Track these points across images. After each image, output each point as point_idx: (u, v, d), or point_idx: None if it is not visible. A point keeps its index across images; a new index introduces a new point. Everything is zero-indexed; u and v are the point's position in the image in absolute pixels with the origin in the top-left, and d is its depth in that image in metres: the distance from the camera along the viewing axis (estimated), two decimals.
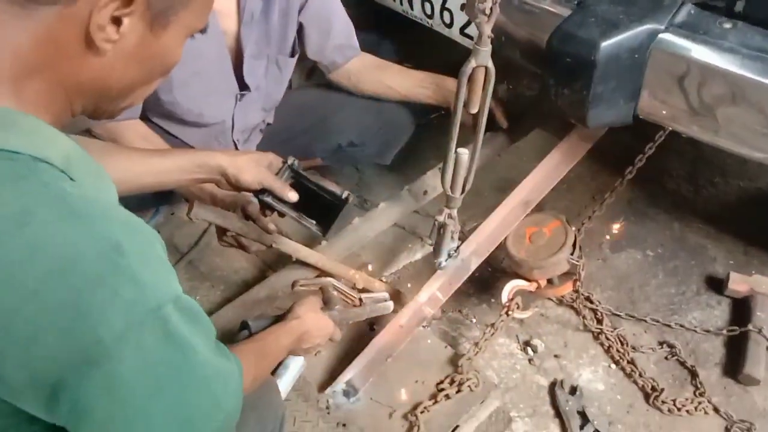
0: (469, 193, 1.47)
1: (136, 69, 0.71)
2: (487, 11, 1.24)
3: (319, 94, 1.83)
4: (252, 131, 1.78)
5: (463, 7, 1.58)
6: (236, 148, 1.76)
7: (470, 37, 1.65)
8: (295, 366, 1.56)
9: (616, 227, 1.98)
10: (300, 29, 1.68)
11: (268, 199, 1.38)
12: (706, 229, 1.98)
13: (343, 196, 1.40)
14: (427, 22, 1.74)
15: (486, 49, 1.30)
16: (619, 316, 1.74)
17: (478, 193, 1.94)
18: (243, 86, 1.66)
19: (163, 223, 2.00)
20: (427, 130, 2.10)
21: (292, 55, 1.71)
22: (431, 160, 2.22)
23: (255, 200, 1.46)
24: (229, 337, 1.51)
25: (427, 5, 1.70)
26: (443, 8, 1.66)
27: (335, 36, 1.71)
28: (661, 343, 1.69)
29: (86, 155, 0.70)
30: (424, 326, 1.67)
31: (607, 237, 1.97)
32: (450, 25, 1.67)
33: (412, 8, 1.76)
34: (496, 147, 1.75)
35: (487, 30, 1.28)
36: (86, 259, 0.59)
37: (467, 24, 1.65)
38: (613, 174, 1.99)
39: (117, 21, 0.65)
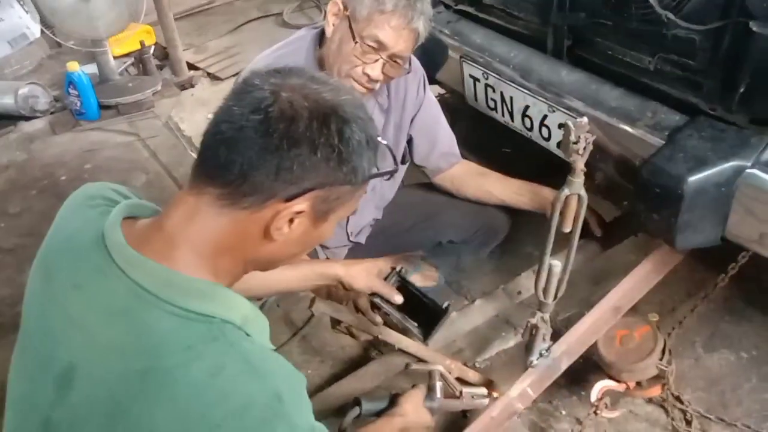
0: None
1: (298, 249, 0.94)
2: (581, 152, 1.40)
3: (424, 195, 2.02)
4: (364, 226, 1.99)
5: (559, 144, 1.73)
6: (348, 239, 1.98)
7: None
8: None
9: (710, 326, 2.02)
10: (409, 140, 1.89)
11: (377, 300, 1.58)
12: None
13: (444, 306, 1.56)
14: (527, 134, 1.90)
15: (579, 181, 1.45)
16: (708, 418, 1.78)
17: (573, 283, 2.05)
18: None
19: (282, 299, 2.24)
20: (526, 219, 2.24)
21: (403, 163, 1.92)
22: (527, 246, 2.36)
23: (365, 296, 1.66)
24: (338, 411, 1.72)
25: (527, 120, 1.86)
26: (542, 125, 1.82)
27: (440, 145, 1.90)
28: None
29: (256, 309, 0.92)
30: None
31: (701, 336, 2.01)
32: (548, 139, 1.83)
33: (513, 121, 1.92)
34: (589, 254, 1.87)
35: (580, 165, 1.43)
36: (257, 406, 0.80)
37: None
38: (710, 269, 2.04)
39: (290, 221, 0.87)
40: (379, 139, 0.92)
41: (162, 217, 0.89)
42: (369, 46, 1.53)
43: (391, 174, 1.01)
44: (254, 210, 0.85)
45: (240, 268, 0.92)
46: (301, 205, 0.85)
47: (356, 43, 1.52)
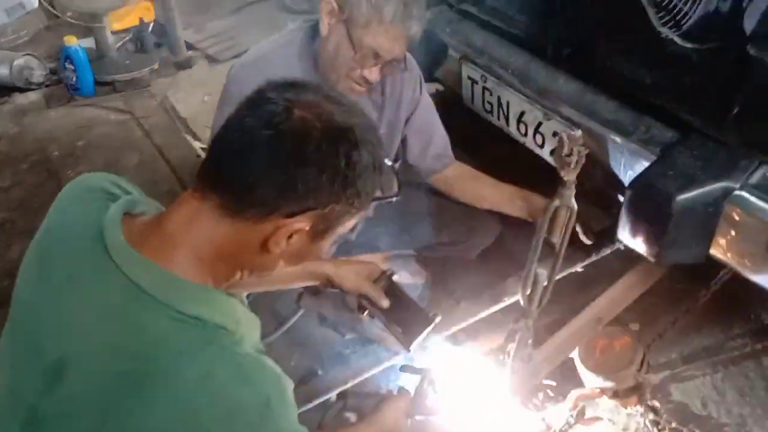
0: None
1: (293, 261, 0.96)
2: (573, 165, 1.41)
3: (416, 194, 2.03)
4: (356, 223, 2.00)
5: (552, 153, 1.74)
6: None
7: None
8: None
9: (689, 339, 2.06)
10: (403, 139, 1.90)
11: (364, 302, 1.59)
12: None
13: (431, 315, 1.57)
14: (521, 140, 1.91)
15: (569, 193, 1.46)
16: (681, 430, 1.82)
17: (557, 289, 2.06)
18: None
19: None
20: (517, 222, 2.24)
21: (395, 161, 1.92)
22: (516, 249, 2.37)
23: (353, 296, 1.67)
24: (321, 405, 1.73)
25: (522, 126, 1.88)
26: (536, 131, 1.83)
27: (434, 147, 1.90)
28: None
29: (248, 311, 0.93)
30: None
31: (680, 349, 2.04)
32: (541, 146, 1.84)
33: (508, 125, 1.94)
34: (576, 262, 1.89)
35: (572, 178, 1.44)
36: (247, 411, 0.82)
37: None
38: (695, 280, 2.07)
39: (289, 236, 0.88)
40: (387, 161, 0.93)
41: (163, 217, 0.90)
42: (368, 55, 1.55)
43: (393, 198, 1.02)
44: (255, 222, 0.86)
45: (236, 273, 0.93)
46: (301, 222, 0.87)
47: (356, 53, 1.54)
